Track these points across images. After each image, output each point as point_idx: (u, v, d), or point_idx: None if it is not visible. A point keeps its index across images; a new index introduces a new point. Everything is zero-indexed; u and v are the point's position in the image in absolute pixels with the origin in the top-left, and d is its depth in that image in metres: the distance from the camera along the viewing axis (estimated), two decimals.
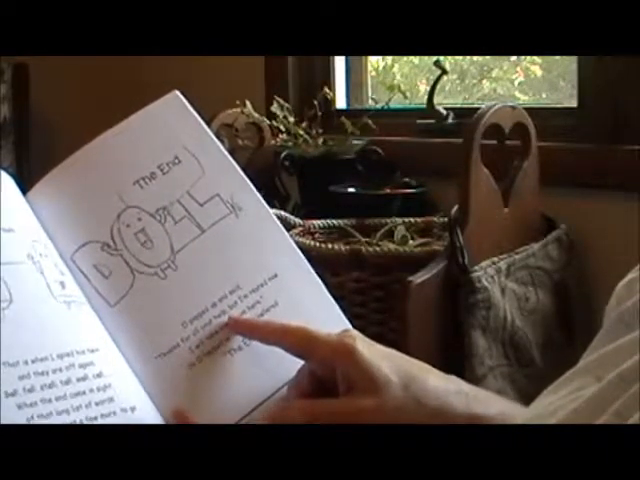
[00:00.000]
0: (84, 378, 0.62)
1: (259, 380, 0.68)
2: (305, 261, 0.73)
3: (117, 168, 0.72)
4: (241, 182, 0.73)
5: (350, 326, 0.72)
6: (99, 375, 0.63)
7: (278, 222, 0.75)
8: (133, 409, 0.63)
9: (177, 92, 0.75)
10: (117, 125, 0.73)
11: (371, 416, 0.61)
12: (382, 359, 0.64)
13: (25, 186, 0.72)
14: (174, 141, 0.73)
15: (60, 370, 0.61)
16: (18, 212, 0.68)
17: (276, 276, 0.71)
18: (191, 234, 0.71)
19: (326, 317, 0.72)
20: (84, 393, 0.61)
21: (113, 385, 0.63)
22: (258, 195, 0.73)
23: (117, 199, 0.71)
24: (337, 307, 0.72)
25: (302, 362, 0.68)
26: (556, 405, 0.45)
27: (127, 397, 0.64)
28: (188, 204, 0.71)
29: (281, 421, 0.64)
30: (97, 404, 0.61)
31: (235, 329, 0.68)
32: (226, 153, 0.74)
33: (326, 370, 0.65)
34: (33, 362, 0.60)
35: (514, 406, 0.64)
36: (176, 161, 0.72)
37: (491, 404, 0.64)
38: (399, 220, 1.35)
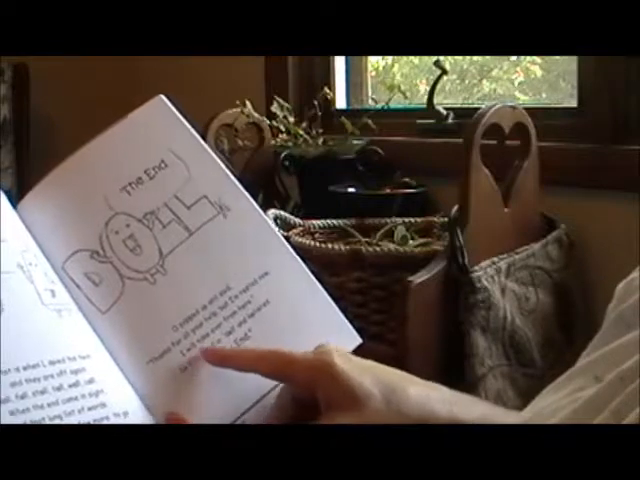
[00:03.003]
0: (76, 384, 0.62)
1: (252, 381, 0.68)
2: (298, 258, 0.73)
3: (103, 175, 0.72)
4: (229, 183, 0.73)
5: (347, 322, 0.72)
6: (91, 381, 0.63)
7: (268, 220, 0.75)
8: (126, 414, 0.63)
9: (162, 96, 0.75)
10: (102, 133, 0.73)
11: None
12: (361, 373, 0.62)
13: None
14: (160, 145, 0.73)
15: (52, 377, 0.61)
16: (8, 223, 0.68)
17: (267, 274, 0.71)
18: (179, 237, 0.71)
19: (320, 313, 0.72)
20: (76, 399, 0.61)
21: (105, 391, 0.63)
22: (247, 195, 0.73)
23: (105, 206, 0.71)
24: (332, 302, 0.72)
25: None
26: (556, 405, 0.45)
27: (120, 402, 0.64)
28: (176, 207, 0.71)
29: None
30: (90, 409, 0.61)
31: (208, 359, 0.67)
32: (213, 154, 0.74)
33: (306, 390, 0.64)
34: (25, 369, 0.60)
35: (496, 409, 0.64)
36: (162, 165, 0.72)
37: (473, 408, 0.63)
38: (399, 220, 1.35)
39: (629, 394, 0.40)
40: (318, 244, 1.21)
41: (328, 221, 1.38)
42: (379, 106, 1.58)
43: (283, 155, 1.51)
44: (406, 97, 1.62)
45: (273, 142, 1.59)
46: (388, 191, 1.47)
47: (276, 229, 0.76)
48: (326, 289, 0.73)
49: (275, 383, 0.67)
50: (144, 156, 0.72)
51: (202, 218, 0.71)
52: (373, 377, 0.63)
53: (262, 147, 1.63)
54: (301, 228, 1.35)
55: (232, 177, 0.74)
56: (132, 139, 0.73)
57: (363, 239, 1.31)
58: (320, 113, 1.56)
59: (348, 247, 1.21)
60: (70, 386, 0.61)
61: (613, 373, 0.42)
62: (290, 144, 1.54)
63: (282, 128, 1.55)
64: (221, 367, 0.67)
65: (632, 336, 0.44)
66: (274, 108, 1.55)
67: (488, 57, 1.68)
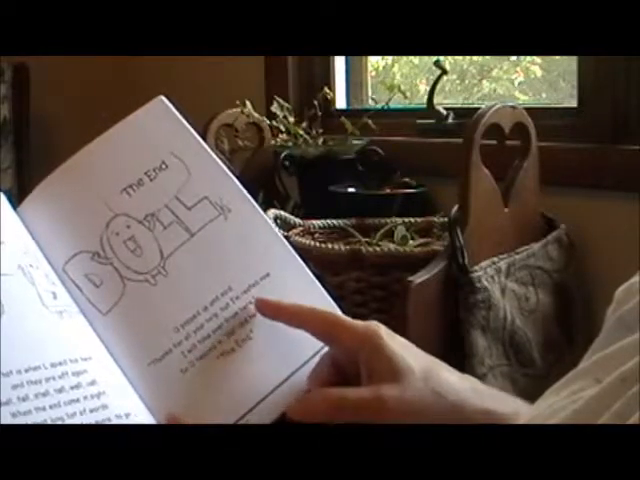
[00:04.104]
0: (77, 386, 0.62)
1: (253, 382, 0.68)
2: (299, 259, 0.73)
3: (104, 177, 0.72)
4: (229, 183, 0.73)
5: None
6: (93, 383, 0.63)
7: (269, 221, 0.75)
8: (127, 415, 0.63)
9: (162, 97, 0.75)
10: (103, 134, 0.73)
11: (393, 405, 0.62)
12: (404, 350, 0.65)
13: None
14: (160, 147, 0.73)
15: (53, 378, 0.61)
16: (8, 225, 0.68)
17: (268, 275, 0.71)
18: (180, 239, 0.71)
19: None
20: (78, 401, 0.61)
21: (107, 392, 0.63)
22: (248, 195, 0.73)
23: (105, 208, 0.71)
24: (333, 303, 0.72)
25: (298, 363, 0.68)
26: (557, 406, 0.45)
27: (121, 404, 0.64)
28: (176, 209, 0.71)
29: (303, 411, 0.64)
30: (91, 411, 0.61)
31: (262, 311, 0.68)
32: (214, 155, 0.74)
33: (349, 357, 0.65)
34: (26, 371, 0.60)
35: (527, 406, 0.64)
36: (163, 166, 0.72)
37: (506, 403, 0.64)
38: (399, 220, 1.35)
39: (630, 397, 0.40)
40: (318, 244, 1.21)
41: (328, 221, 1.38)
42: (379, 106, 1.58)
43: (283, 155, 1.51)
44: (406, 97, 1.62)
45: (273, 142, 1.59)
46: (388, 191, 1.47)
47: (277, 229, 0.75)
48: (326, 289, 0.73)
49: (275, 385, 0.67)
50: (144, 158, 0.72)
51: (203, 219, 0.71)
52: (414, 356, 0.65)
53: (262, 147, 1.63)
54: (301, 228, 1.35)
55: (233, 178, 0.74)
56: (132, 140, 0.73)
57: (363, 239, 1.31)
58: (320, 113, 1.56)
59: (348, 247, 1.21)
60: (72, 388, 0.61)
61: (614, 375, 0.42)
62: (290, 144, 1.54)
63: (282, 128, 1.55)
64: (274, 320, 0.68)
65: (633, 338, 0.44)
66: (274, 108, 1.55)
67: (488, 57, 1.68)
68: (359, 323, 0.66)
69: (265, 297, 0.69)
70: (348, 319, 0.66)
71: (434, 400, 0.62)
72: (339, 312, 0.72)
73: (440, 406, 0.62)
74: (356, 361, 0.65)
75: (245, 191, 0.74)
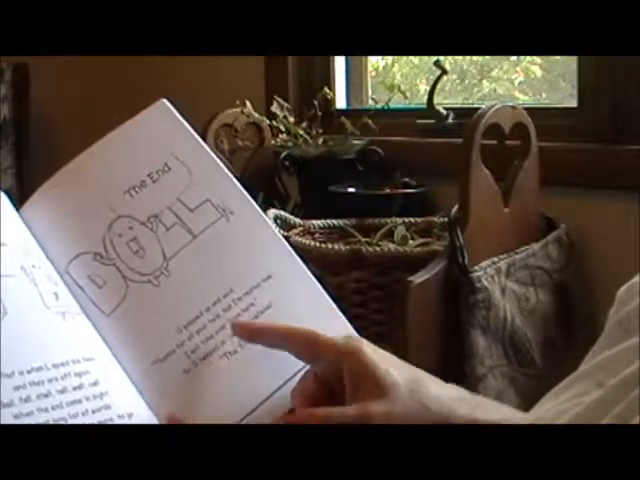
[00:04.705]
0: (80, 387, 0.62)
1: (256, 383, 0.68)
2: (300, 261, 0.73)
3: (107, 178, 0.72)
4: (232, 186, 0.74)
5: (349, 325, 0.72)
6: (95, 383, 0.63)
7: (271, 223, 0.76)
8: (130, 416, 0.64)
9: (164, 100, 0.75)
10: (106, 136, 0.73)
11: (380, 421, 0.61)
12: (388, 363, 0.64)
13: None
14: (163, 149, 0.73)
15: (56, 379, 0.61)
16: (10, 227, 0.68)
17: (270, 277, 0.71)
18: (183, 240, 0.71)
19: (323, 316, 0.71)
20: (80, 401, 0.61)
21: (110, 393, 0.63)
22: (249, 198, 0.74)
23: (108, 209, 0.71)
24: (334, 306, 0.72)
25: (300, 363, 0.68)
26: (557, 410, 0.45)
27: (124, 404, 0.64)
28: (179, 211, 0.72)
29: None
30: (94, 412, 0.61)
31: (238, 334, 0.67)
32: (215, 158, 0.74)
33: (332, 373, 0.64)
34: (28, 372, 0.60)
35: (516, 412, 0.64)
36: (165, 169, 0.72)
37: (493, 410, 0.64)
38: (399, 220, 1.35)
39: (632, 400, 0.40)
40: (318, 244, 1.21)
41: (328, 221, 1.38)
42: (379, 106, 1.58)
43: (283, 155, 1.51)
44: (406, 97, 1.62)
45: (273, 142, 1.59)
46: (388, 191, 1.47)
47: (278, 232, 0.76)
48: (326, 289, 0.73)
49: (278, 385, 0.67)
50: (147, 160, 0.73)
51: (205, 221, 0.72)
52: (398, 369, 0.64)
53: (262, 147, 1.63)
54: (301, 228, 1.35)
55: (235, 180, 0.74)
56: (135, 143, 0.74)
57: (363, 239, 1.31)
58: (320, 113, 1.56)
59: (348, 247, 1.21)
60: (74, 389, 0.61)
61: (615, 378, 0.42)
62: (290, 144, 1.54)
63: (282, 128, 1.55)
64: (250, 342, 0.67)
65: (633, 342, 0.44)
66: (274, 108, 1.55)
67: (488, 57, 1.68)
68: (339, 339, 0.65)
69: (239, 320, 0.68)
70: (327, 336, 0.65)
71: (421, 412, 0.61)
72: (339, 313, 0.72)
73: (427, 418, 0.61)
74: (340, 377, 0.64)
75: (246, 193, 0.74)
